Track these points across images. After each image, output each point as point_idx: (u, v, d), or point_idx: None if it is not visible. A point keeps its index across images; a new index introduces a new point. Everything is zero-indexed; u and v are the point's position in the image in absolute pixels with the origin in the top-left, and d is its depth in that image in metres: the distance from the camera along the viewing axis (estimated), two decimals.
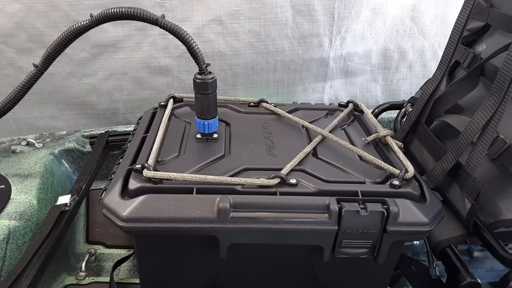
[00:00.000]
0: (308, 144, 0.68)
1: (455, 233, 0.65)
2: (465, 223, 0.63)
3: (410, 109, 0.83)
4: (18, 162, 0.89)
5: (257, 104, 0.84)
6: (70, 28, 0.59)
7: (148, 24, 0.58)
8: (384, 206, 0.54)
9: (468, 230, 0.64)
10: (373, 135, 0.72)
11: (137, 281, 0.92)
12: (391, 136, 0.71)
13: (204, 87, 0.63)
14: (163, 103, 0.80)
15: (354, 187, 0.58)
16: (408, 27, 1.11)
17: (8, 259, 0.76)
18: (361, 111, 0.83)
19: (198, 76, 0.63)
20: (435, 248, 0.67)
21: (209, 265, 0.64)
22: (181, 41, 0.59)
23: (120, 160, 0.66)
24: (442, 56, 0.77)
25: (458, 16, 0.75)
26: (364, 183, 0.60)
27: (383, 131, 0.71)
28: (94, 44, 0.99)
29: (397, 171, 0.60)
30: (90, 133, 1.02)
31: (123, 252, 0.98)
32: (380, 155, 0.69)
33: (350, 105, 0.84)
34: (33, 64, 0.61)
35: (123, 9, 0.56)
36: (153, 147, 0.63)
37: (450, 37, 0.76)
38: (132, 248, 0.96)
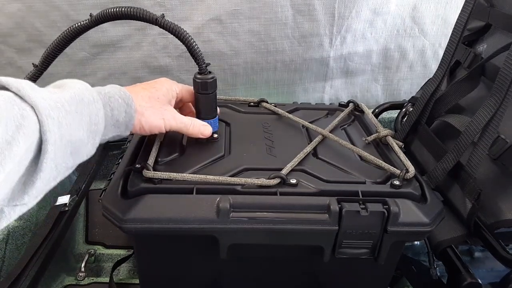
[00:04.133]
0: (309, 144, 0.68)
1: (456, 234, 0.65)
2: (466, 223, 0.63)
3: (411, 109, 0.83)
4: None
5: (257, 104, 0.83)
6: (70, 28, 0.58)
7: (148, 23, 0.58)
8: (384, 206, 0.54)
9: (468, 230, 0.63)
10: (374, 135, 0.72)
11: (137, 281, 0.92)
12: (391, 136, 0.71)
13: (204, 87, 0.63)
14: None
15: (355, 187, 0.58)
16: (409, 27, 1.11)
17: (7, 260, 0.76)
18: (362, 111, 0.83)
19: (198, 76, 0.63)
20: (435, 249, 0.67)
21: (209, 265, 0.63)
22: (181, 41, 0.58)
23: (120, 160, 0.66)
24: (443, 55, 0.77)
25: (459, 16, 0.75)
26: (364, 183, 0.60)
27: (383, 131, 0.71)
28: (94, 43, 0.99)
29: (397, 171, 0.60)
30: None
31: (122, 253, 0.98)
32: (380, 155, 0.69)
33: (351, 105, 0.84)
34: (32, 64, 0.61)
35: (123, 9, 0.56)
36: (153, 147, 0.62)
37: (450, 36, 0.76)
38: (132, 248, 0.96)
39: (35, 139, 0.36)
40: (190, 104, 0.69)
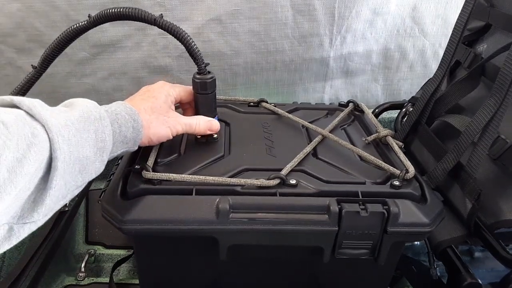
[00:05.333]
0: (308, 144, 0.68)
1: (456, 234, 0.65)
2: (466, 223, 0.63)
3: (411, 109, 0.83)
4: None
5: (257, 104, 0.83)
6: (69, 28, 0.58)
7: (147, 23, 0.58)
8: (384, 207, 0.54)
9: (468, 230, 0.63)
10: (374, 135, 0.72)
11: (137, 281, 0.92)
12: (391, 136, 0.71)
13: (203, 87, 0.63)
14: None
15: (355, 188, 0.58)
16: (409, 27, 1.11)
17: (7, 260, 0.76)
18: (362, 111, 0.83)
19: (197, 76, 0.63)
20: (435, 249, 0.67)
21: (208, 266, 0.63)
22: (180, 41, 0.58)
23: (119, 161, 0.66)
24: (443, 55, 0.77)
25: (459, 16, 0.74)
26: (364, 183, 0.60)
27: (383, 131, 0.71)
28: (94, 43, 0.99)
29: (397, 172, 0.60)
30: None
31: (122, 253, 0.98)
32: (380, 155, 0.69)
33: (351, 105, 0.84)
34: (31, 65, 0.61)
35: (121, 9, 0.56)
36: (153, 148, 0.62)
37: (450, 36, 0.76)
38: (132, 249, 0.96)
39: (45, 157, 0.36)
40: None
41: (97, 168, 0.45)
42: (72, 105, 0.44)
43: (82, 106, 0.44)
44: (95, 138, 0.43)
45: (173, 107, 0.62)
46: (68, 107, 0.44)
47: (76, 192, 0.43)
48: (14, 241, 0.37)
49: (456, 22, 0.75)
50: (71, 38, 0.59)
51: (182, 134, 0.69)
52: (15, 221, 0.36)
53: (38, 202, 0.37)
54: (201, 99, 0.65)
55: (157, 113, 0.57)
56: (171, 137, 0.59)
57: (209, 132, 0.65)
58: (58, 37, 0.58)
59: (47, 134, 0.36)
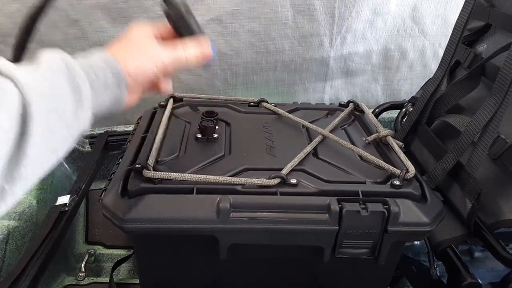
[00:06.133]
0: (309, 144, 0.68)
1: (456, 234, 0.65)
2: (466, 223, 0.63)
3: (411, 109, 0.83)
4: None
5: (257, 104, 0.83)
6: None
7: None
8: (385, 206, 0.54)
9: (468, 230, 0.63)
10: (374, 135, 0.72)
11: (137, 281, 0.92)
12: (392, 136, 0.71)
13: (177, 9, 0.55)
14: (163, 103, 0.79)
15: (355, 187, 0.58)
16: (409, 27, 1.11)
17: (7, 260, 0.76)
18: (362, 111, 0.83)
19: (165, 3, 0.55)
20: (435, 249, 0.67)
21: (209, 265, 0.63)
22: None
23: (120, 160, 0.66)
24: (443, 56, 0.77)
25: (459, 16, 0.75)
26: (364, 183, 0.60)
27: (383, 131, 0.71)
28: (94, 44, 0.99)
29: (397, 171, 0.60)
30: (90, 133, 1.01)
31: (122, 253, 0.98)
32: (380, 155, 0.69)
33: (351, 105, 0.84)
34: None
35: None
36: (153, 147, 0.62)
37: (450, 36, 0.76)
38: (132, 248, 0.96)
39: (18, 109, 0.36)
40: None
41: (82, 118, 0.43)
42: (38, 59, 0.43)
43: (48, 57, 0.43)
44: (67, 85, 0.42)
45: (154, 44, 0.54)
46: (35, 62, 0.43)
47: (66, 145, 0.42)
48: (10, 201, 0.37)
49: (456, 22, 0.75)
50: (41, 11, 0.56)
51: (182, 134, 0.70)
52: (4, 181, 0.36)
53: (20, 155, 0.36)
54: (180, 24, 0.55)
55: (133, 50, 0.52)
56: (156, 71, 0.51)
57: (202, 56, 0.53)
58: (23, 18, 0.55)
59: (17, 88, 0.36)
